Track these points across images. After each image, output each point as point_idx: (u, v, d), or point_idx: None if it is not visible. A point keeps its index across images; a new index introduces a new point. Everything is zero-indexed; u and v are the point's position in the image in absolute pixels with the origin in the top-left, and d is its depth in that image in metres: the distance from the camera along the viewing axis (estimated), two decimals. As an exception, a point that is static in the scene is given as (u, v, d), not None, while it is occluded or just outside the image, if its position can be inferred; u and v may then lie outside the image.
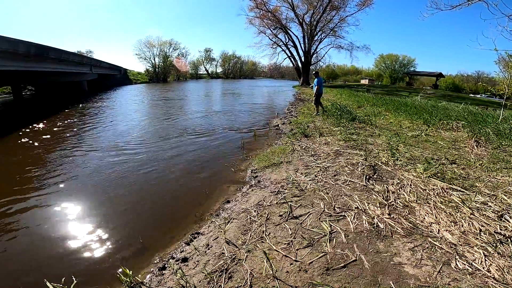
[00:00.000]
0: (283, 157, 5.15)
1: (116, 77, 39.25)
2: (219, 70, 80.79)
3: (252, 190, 4.03)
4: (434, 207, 3.05)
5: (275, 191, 3.73)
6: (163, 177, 4.80)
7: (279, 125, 8.78)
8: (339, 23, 36.89)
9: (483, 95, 47.69)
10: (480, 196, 3.25)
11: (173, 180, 4.70)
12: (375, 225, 2.71)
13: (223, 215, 3.39)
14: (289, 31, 38.15)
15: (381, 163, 4.46)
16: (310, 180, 3.93)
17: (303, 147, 5.63)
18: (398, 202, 3.19)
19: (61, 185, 4.48)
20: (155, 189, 4.39)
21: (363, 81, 52.69)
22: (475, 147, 5.94)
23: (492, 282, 1.95)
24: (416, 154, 5.09)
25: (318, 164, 4.55)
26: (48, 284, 2.11)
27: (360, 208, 3.05)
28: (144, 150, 6.34)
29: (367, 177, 3.86)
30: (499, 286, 1.91)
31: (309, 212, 3.05)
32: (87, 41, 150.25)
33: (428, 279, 2.00)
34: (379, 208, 3.03)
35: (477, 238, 2.47)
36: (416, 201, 3.21)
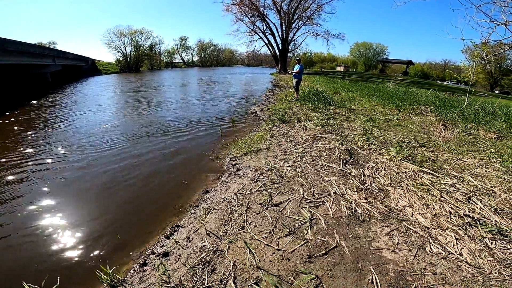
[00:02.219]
0: (261, 143, 5.10)
1: (84, 68, 36.71)
2: (196, 58, 78.48)
3: (232, 178, 3.96)
4: (407, 190, 3.16)
5: (255, 179, 3.69)
6: (139, 172, 4.54)
7: (257, 112, 8.69)
8: (316, 11, 36.87)
9: (449, 82, 50.68)
10: (448, 178, 3.41)
11: (149, 174, 4.48)
12: (353, 210, 2.76)
13: (203, 206, 3.30)
14: (266, 19, 37.58)
15: (356, 147, 4.55)
16: (289, 166, 3.92)
17: (282, 133, 5.61)
18: (374, 186, 3.27)
19: (27, 187, 4.11)
20: (131, 184, 4.15)
21: (339, 68, 53.65)
22: (443, 130, 6.26)
23: (465, 266, 2.03)
24: (389, 138, 5.26)
25: (296, 149, 4.56)
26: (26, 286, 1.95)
27: (338, 193, 3.09)
28: (116, 144, 5.98)
29: (344, 161, 3.92)
30: (472, 270, 1.99)
31: (289, 199, 3.04)
32: (52, 33, 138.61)
33: (405, 263, 2.06)
34: (356, 193, 3.08)
35: (448, 221, 2.56)
36: (390, 184, 3.31)
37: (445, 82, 47.93)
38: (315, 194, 3.10)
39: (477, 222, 2.54)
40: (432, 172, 3.64)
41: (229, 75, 35.62)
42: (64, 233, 3.01)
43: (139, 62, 51.47)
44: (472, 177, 3.50)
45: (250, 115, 8.60)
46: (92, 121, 8.00)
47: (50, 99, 12.89)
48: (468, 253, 2.13)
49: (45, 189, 3.94)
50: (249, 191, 3.35)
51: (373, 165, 3.88)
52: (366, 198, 2.97)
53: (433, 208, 2.79)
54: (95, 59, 44.11)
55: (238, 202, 3.11)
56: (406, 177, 3.51)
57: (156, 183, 4.14)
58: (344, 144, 4.65)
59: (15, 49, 16.22)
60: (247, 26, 38.62)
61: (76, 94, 15.11)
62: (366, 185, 3.28)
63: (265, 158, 4.37)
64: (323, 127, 5.79)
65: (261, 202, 3.05)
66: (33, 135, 6.60)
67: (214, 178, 4.19)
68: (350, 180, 3.40)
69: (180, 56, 75.14)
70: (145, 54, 53.85)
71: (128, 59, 49.70)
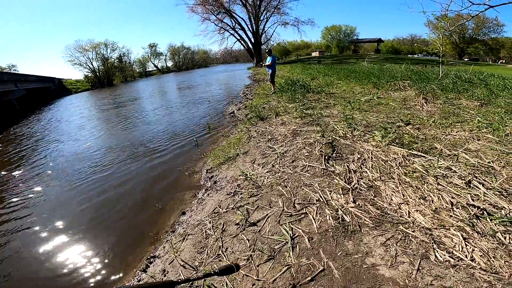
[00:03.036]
0: (239, 148, 4.71)
1: (51, 89, 34.87)
2: (170, 64, 76.48)
3: (208, 194, 3.59)
4: (399, 182, 2.84)
5: (232, 192, 3.31)
6: (113, 203, 4.08)
7: (235, 112, 8.26)
8: (281, 0, 36.43)
9: (419, 54, 51.84)
10: (442, 160, 3.10)
11: (124, 203, 4.04)
12: (340, 219, 2.40)
13: (179, 231, 2.99)
14: (234, 14, 36.86)
15: (338, 137, 4.23)
16: (267, 171, 3.55)
17: (260, 132, 5.23)
18: (362, 183, 2.93)
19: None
20: (106, 217, 3.75)
21: (314, 54, 53.66)
22: (425, 104, 6.06)
23: (480, 273, 1.70)
24: (371, 120, 4.98)
25: (275, 150, 4.18)
26: None
27: (322, 199, 2.73)
28: (88, 175, 5.42)
29: (326, 157, 3.57)
30: (488, 277, 1.65)
31: (267, 214, 2.67)
32: (11, 56, 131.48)
33: (407, 280, 1.72)
34: (342, 196, 2.74)
35: (451, 216, 2.24)
36: (380, 177, 2.99)
37: (415, 55, 48.99)
38: (296, 204, 2.73)
39: (484, 212, 2.21)
40: (423, 154, 3.35)
41: (206, 76, 34.78)
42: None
43: (110, 75, 49.57)
44: (466, 154, 3.22)
45: (228, 117, 8.17)
46: (62, 151, 7.33)
47: (18, 129, 11.94)
48: (480, 256, 1.80)
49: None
50: (226, 208, 2.98)
51: (359, 156, 3.56)
52: (354, 201, 2.63)
53: (432, 201, 2.46)
54: (62, 79, 42.16)
55: (214, 224, 2.74)
56: (396, 165, 3.20)
57: (132, 212, 3.77)
58: (325, 135, 4.31)
59: None
60: (215, 24, 37.86)
61: (41, 121, 14.13)
62: (353, 183, 2.94)
63: (243, 165, 3.98)
64: (302, 118, 5.44)
65: (237, 222, 2.68)
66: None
67: (191, 196, 3.83)
68: (335, 180, 3.05)
69: (153, 63, 73.13)
70: (115, 67, 51.89)
71: (98, 73, 47.72)
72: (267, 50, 9.95)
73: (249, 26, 37.67)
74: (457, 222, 2.16)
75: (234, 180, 3.65)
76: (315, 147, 3.90)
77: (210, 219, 2.85)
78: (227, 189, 3.48)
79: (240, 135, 5.36)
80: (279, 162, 3.71)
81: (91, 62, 47.81)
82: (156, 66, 73.58)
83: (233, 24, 37.69)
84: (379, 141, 3.92)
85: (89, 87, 43.49)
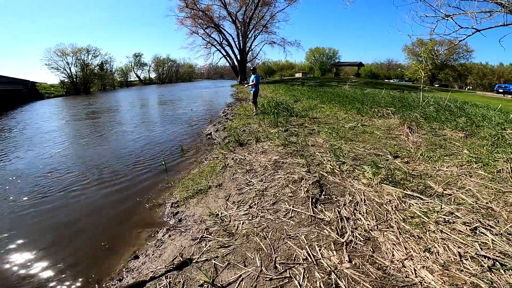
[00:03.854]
0: (212, 178, 4.11)
1: (23, 93, 32.53)
2: (153, 75, 75.24)
3: (170, 236, 2.96)
4: (399, 232, 2.39)
5: (198, 238, 2.70)
6: (48, 231, 3.30)
7: (212, 133, 7.67)
8: (270, 19, 37.48)
9: (395, 80, 54.96)
10: (441, 203, 2.74)
11: (63, 234, 3.29)
12: (334, 286, 1.87)
13: (127, 280, 2.42)
14: (222, 30, 37.28)
15: (326, 173, 3.76)
16: (243, 214, 2.98)
17: (237, 160, 4.67)
18: (357, 234, 2.44)
19: None
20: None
21: (297, 75, 55.06)
22: (410, 134, 5.87)
23: None
24: (359, 152, 4.63)
25: (254, 185, 3.63)
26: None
27: (310, 258, 2.18)
28: (35, 201, 4.55)
29: (314, 200, 3.06)
30: None
31: (240, 276, 2.08)
32: None
33: None
34: (335, 252, 2.21)
35: (463, 271, 1.87)
36: (377, 226, 2.52)
37: (391, 80, 51.80)
38: (277, 264, 2.16)
39: (496, 263, 1.91)
40: (419, 195, 2.98)
41: (188, 91, 34.18)
42: None
43: (88, 82, 47.57)
44: (462, 193, 2.95)
45: (204, 138, 7.54)
46: (17, 167, 6.29)
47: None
48: None
49: None
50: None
51: (350, 198, 3.09)
52: (350, 260, 2.11)
53: (438, 253, 2.08)
54: (35, 82, 39.67)
55: (171, 282, 2.10)
56: (392, 209, 2.77)
57: (70, 249, 3.02)
58: (311, 170, 3.84)
59: None
60: (203, 38, 38.01)
61: (7, 126, 12.69)
62: (347, 235, 2.44)
63: (215, 201, 3.38)
64: (285, 147, 4.96)
65: (201, 283, 2.06)
66: None
67: (148, 236, 3.16)
68: (325, 231, 2.53)
69: (136, 73, 71.69)
70: (95, 74, 50.02)
71: (75, 79, 45.62)
72: (251, 68, 9.62)
73: (236, 43, 38.18)
74: (470, 277, 1.80)
75: (202, 220, 3.04)
76: (301, 186, 3.39)
77: (167, 273, 2.21)
78: (193, 231, 2.87)
79: (215, 162, 4.76)
80: (257, 203, 3.14)
81: (69, 67, 45.82)
82: (139, 77, 72.16)
83: (221, 40, 38.02)
84: (370, 178, 3.52)
85: (64, 93, 41.32)
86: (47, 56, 45.10)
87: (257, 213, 2.94)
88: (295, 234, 2.52)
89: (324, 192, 3.23)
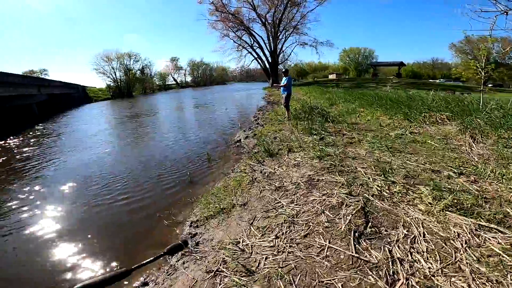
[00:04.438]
0: (237, 195, 3.66)
1: (74, 96, 35.81)
2: (189, 78, 78.31)
3: (183, 262, 2.59)
4: (473, 276, 1.75)
5: (213, 270, 2.28)
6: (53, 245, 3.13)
7: (241, 140, 7.27)
8: (301, 20, 36.58)
9: (441, 79, 50.05)
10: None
11: (72, 250, 3.09)
12: None
13: None
14: (253, 32, 37.27)
15: (372, 196, 3.10)
16: (268, 246, 2.47)
17: (267, 174, 4.18)
18: (414, 282, 1.81)
19: None
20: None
21: (331, 76, 53.17)
22: (473, 144, 4.88)
23: None
24: (411, 167, 3.85)
25: (283, 207, 3.10)
26: None
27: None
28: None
29: (357, 234, 2.44)
30: None
31: None
32: (42, 60, 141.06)
33: None
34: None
35: None
36: (442, 270, 1.87)
37: (437, 80, 47.23)
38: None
39: None
40: (497, 227, 2.25)
41: (221, 93, 34.70)
42: None
43: (131, 86, 50.84)
44: None
45: (233, 146, 7.15)
46: (57, 172, 6.59)
47: (34, 132, 11.57)
48: None
49: None
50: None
51: (405, 231, 2.43)
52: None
53: None
54: (85, 86, 43.43)
55: None
56: (462, 246, 2.10)
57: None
58: (354, 192, 3.20)
59: None
60: (234, 41, 38.42)
61: (56, 130, 13.79)
62: (399, 284, 1.81)
63: (237, 224, 2.93)
64: (321, 159, 4.34)
65: None
66: None
67: (162, 260, 2.82)
68: (370, 277, 1.91)
69: (173, 77, 75.16)
70: (136, 78, 53.39)
71: (119, 83, 49.07)
72: (283, 70, 9.08)
73: (267, 45, 37.88)
74: None
75: (221, 247, 2.61)
76: (340, 214, 2.79)
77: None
78: (209, 261, 2.46)
79: (242, 176, 4.31)
80: (286, 232, 2.61)
81: (114, 72, 49.51)
82: (176, 80, 75.54)
83: (252, 42, 38.05)
84: (430, 203, 2.81)
85: (110, 97, 44.61)
86: (96, 61, 49.28)
87: (285, 246, 2.41)
88: (330, 280, 1.96)
89: (370, 223, 2.60)
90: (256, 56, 38.95)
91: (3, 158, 8.22)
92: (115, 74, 49.53)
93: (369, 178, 3.55)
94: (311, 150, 4.79)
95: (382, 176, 3.54)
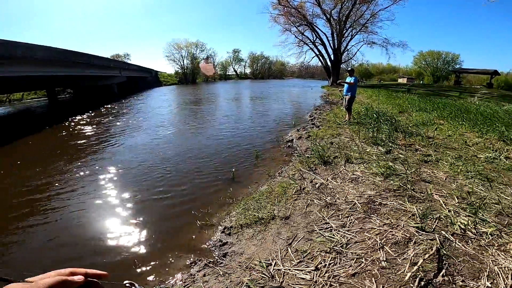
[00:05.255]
0: (279, 205, 3.24)
1: (147, 79, 39.80)
2: (248, 70, 79.73)
3: (204, 275, 2.32)
4: None
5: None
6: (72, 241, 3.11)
7: (294, 140, 6.75)
8: (371, 18, 33.26)
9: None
10: None
11: (88, 248, 3.00)
12: None
13: None
14: (316, 28, 35.47)
15: (453, 235, 2.35)
16: (303, 277, 2.02)
17: (317, 185, 3.65)
18: None
19: None
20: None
21: (401, 80, 47.90)
22: None
23: None
24: (506, 202, 2.91)
25: (331, 231, 2.57)
26: None
27: None
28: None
29: (423, 283, 1.79)
30: None
31: None
32: (125, 46, 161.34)
33: None
34: None
35: None
36: None
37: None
38: None
39: None
40: None
41: (278, 88, 34.27)
42: None
43: (195, 74, 54.15)
44: None
45: (284, 145, 6.66)
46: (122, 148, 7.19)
47: (114, 107, 13.24)
48: None
49: None
50: None
51: (488, 283, 1.76)
52: None
53: None
54: (158, 71, 47.78)
55: None
56: None
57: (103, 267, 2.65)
58: (427, 227, 2.49)
59: (86, 61, 17.67)
60: (295, 36, 37.11)
61: (129, 108, 15.42)
62: None
63: (273, 242, 2.53)
64: (386, 177, 3.62)
65: None
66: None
67: (184, 265, 2.58)
68: None
69: (233, 68, 77.43)
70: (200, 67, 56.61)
71: (185, 71, 52.69)
72: (348, 69, 8.19)
73: (331, 42, 35.65)
74: None
75: (249, 267, 2.26)
76: (405, 253, 2.15)
77: None
78: (232, 280, 2.14)
79: (289, 182, 3.85)
80: (329, 264, 2.11)
81: (183, 60, 53.25)
82: (235, 71, 77.74)
83: (314, 38, 36.28)
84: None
85: (176, 82, 48.34)
86: (167, 49, 53.69)
87: (324, 284, 1.92)
88: None
89: (444, 270, 1.92)
90: (317, 53, 37.11)
91: (84, 131, 9.36)
92: (183, 62, 53.29)
93: (450, 211, 2.76)
94: (374, 164, 4.05)
95: (469, 210, 2.71)
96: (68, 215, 3.64)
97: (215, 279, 2.22)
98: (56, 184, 4.64)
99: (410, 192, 3.19)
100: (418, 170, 3.88)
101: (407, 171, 3.77)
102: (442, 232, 2.43)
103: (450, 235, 2.38)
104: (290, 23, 35.84)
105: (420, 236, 2.37)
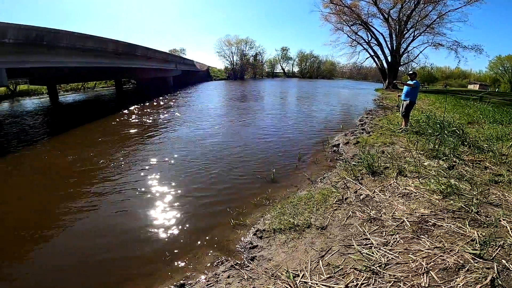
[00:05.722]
0: (318, 213, 3.06)
1: (199, 74, 42.04)
2: (296, 69, 78.62)
3: (228, 277, 2.29)
4: None
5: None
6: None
7: (340, 145, 6.36)
8: (437, 19, 29.53)
9: None
10: None
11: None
12: None
13: None
14: (371, 28, 33.06)
15: None
16: None
17: (361, 197, 3.35)
18: None
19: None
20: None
21: (471, 86, 42.16)
22: None
23: None
24: None
25: (370, 248, 2.32)
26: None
27: None
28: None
29: None
30: None
31: None
32: (180, 42, 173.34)
33: None
34: None
35: None
36: None
37: None
38: None
39: None
40: None
41: (326, 88, 33.06)
42: None
43: (244, 70, 55.33)
44: None
45: (329, 150, 6.33)
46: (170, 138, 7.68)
47: (170, 98, 14.44)
48: None
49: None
50: None
51: None
52: None
53: None
54: (210, 66, 50.15)
55: None
56: None
57: (134, 259, 2.79)
58: (486, 254, 2.08)
59: (143, 54, 19.19)
60: (348, 35, 35.25)
61: (181, 101, 16.50)
62: None
63: (305, 252, 2.38)
64: (445, 197, 3.15)
65: None
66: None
67: (211, 263, 2.59)
68: None
69: (281, 66, 77.02)
70: (249, 63, 57.51)
71: (235, 67, 54.19)
72: (410, 72, 7.37)
73: (388, 43, 32.92)
74: None
75: (275, 275, 2.16)
76: (454, 281, 1.82)
77: None
78: (255, 287, 2.08)
79: (330, 190, 3.61)
80: (361, 285, 1.89)
81: (232, 56, 54.89)
82: (283, 69, 77.27)
83: (369, 38, 33.94)
84: None
85: (226, 77, 50.12)
86: (218, 45, 55.82)
87: None
88: None
89: None
90: (372, 54, 34.70)
91: (136, 120, 10.24)
92: (233, 58, 54.87)
93: (514, 237, 2.28)
94: (432, 180, 3.56)
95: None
96: (107, 204, 3.86)
97: (238, 282, 2.18)
98: (104, 171, 5.06)
99: (472, 215, 2.73)
100: (486, 191, 3.30)
101: (472, 191, 3.23)
102: (503, 260, 2.03)
103: (510, 265, 1.98)
104: (342, 22, 34.17)
105: (475, 264, 2.01)
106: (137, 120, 10.03)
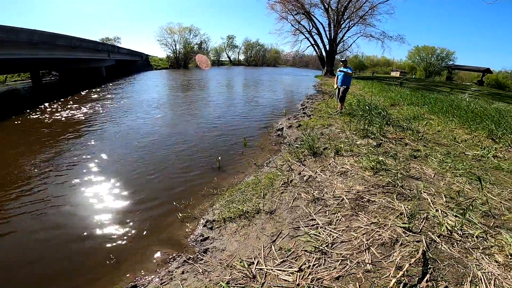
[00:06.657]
0: (265, 198, 3.11)
1: (137, 63, 38.47)
2: (242, 57, 78.25)
3: (183, 272, 2.18)
4: None
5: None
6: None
7: (284, 129, 6.59)
8: (369, 11, 32.77)
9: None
10: None
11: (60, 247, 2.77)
12: None
13: None
14: (313, 18, 34.79)
15: (439, 237, 2.29)
16: (285, 278, 1.92)
17: (305, 178, 3.53)
18: None
19: None
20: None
21: (393, 73, 48.06)
22: None
23: None
24: (493, 203, 2.89)
25: (316, 228, 2.46)
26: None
27: None
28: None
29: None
30: None
31: None
32: (116, 30, 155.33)
33: None
34: None
35: None
36: None
37: (531, 96, 39.23)
38: None
39: None
40: None
41: (271, 75, 33.83)
42: None
43: (187, 59, 52.63)
44: None
45: (274, 134, 6.49)
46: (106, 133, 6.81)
47: (99, 92, 12.57)
48: None
49: None
50: None
51: None
52: None
53: None
54: (149, 55, 46.14)
55: None
56: None
57: (59, 264, 2.46)
58: (415, 227, 2.40)
59: (67, 43, 16.56)
60: (291, 25, 36.40)
61: (116, 92, 14.76)
62: None
63: (257, 238, 2.40)
64: (376, 173, 3.52)
65: None
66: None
67: (162, 260, 2.43)
68: None
69: (227, 54, 75.77)
70: (193, 52, 54.92)
71: (178, 55, 51.12)
72: (342, 59, 7.97)
73: (327, 32, 35.15)
74: None
75: (230, 265, 2.13)
76: (391, 255, 2.06)
77: None
78: (211, 279, 2.04)
79: (276, 173, 3.72)
80: (313, 266, 2.01)
81: (175, 44, 51.48)
82: (229, 57, 76.18)
83: (310, 28, 35.67)
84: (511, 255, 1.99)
85: (168, 66, 46.94)
86: (159, 33, 51.70)
87: (308, 286, 1.82)
88: None
89: (428, 275, 1.86)
90: (313, 42, 36.64)
91: (64, 116, 8.87)
92: (175, 46, 51.52)
93: (437, 211, 2.69)
94: (364, 158, 3.95)
95: (456, 210, 2.65)
96: (41, 203, 3.41)
97: (194, 277, 2.09)
98: (35, 170, 4.35)
99: (399, 189, 3.11)
100: (408, 166, 3.80)
101: (397, 166, 3.69)
102: (429, 233, 2.35)
103: (436, 237, 2.30)
104: (287, 11, 35.01)
105: (406, 238, 2.29)
106: (60, 115, 8.68)
